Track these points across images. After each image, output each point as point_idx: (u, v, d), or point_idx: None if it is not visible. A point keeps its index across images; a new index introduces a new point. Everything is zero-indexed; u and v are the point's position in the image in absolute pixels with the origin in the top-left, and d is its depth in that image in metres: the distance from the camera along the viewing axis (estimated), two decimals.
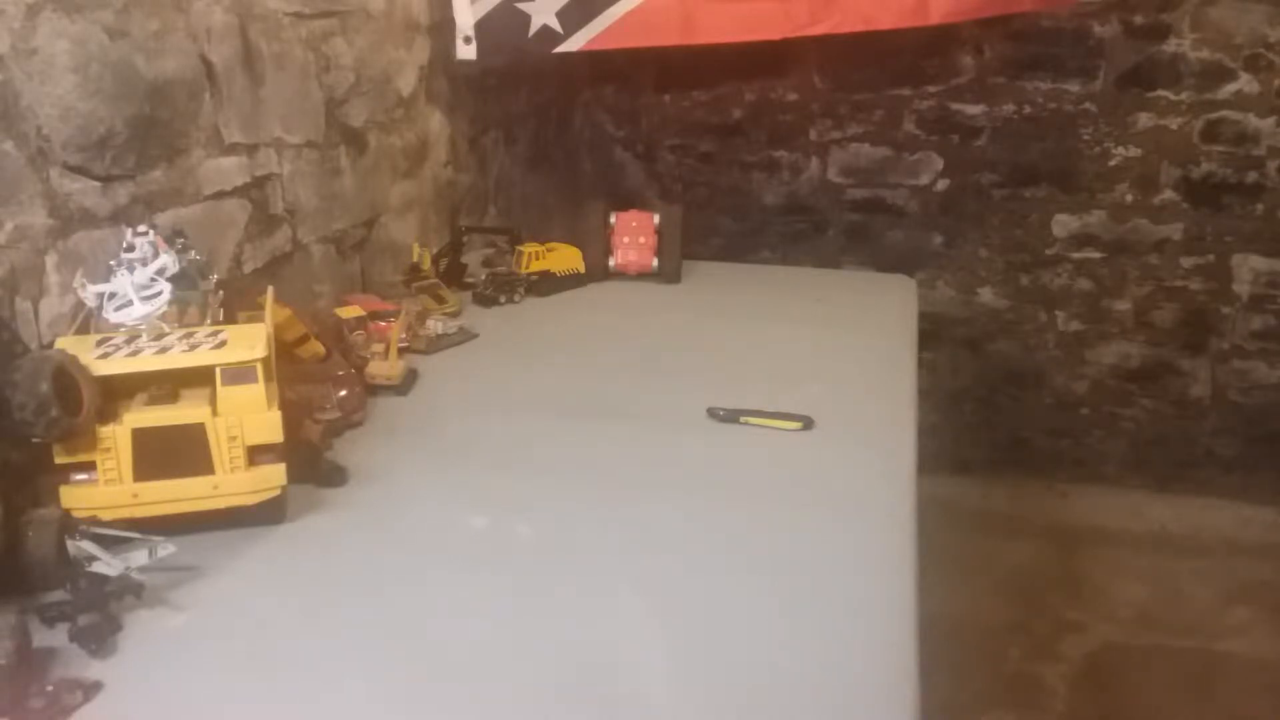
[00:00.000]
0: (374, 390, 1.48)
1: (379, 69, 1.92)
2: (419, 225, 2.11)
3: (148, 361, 1.04)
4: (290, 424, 1.10)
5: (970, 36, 2.86)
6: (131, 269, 1.11)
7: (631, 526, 1.15)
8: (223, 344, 1.06)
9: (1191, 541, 2.90)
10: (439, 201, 2.21)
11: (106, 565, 0.94)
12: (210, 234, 1.47)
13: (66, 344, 1.05)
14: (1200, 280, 2.96)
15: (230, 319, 1.17)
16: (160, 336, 1.07)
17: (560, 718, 0.86)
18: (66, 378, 0.98)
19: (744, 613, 1.00)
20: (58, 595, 0.94)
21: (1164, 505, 3.06)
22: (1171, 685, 2.35)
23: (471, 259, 2.11)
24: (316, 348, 1.39)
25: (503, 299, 1.92)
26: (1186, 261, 2.95)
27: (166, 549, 0.97)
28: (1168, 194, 2.90)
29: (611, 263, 2.06)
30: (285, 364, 1.24)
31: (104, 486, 1.03)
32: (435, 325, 1.72)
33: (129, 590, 0.95)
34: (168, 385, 1.07)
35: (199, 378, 1.07)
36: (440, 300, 1.83)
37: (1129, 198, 2.93)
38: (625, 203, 2.13)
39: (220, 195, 1.50)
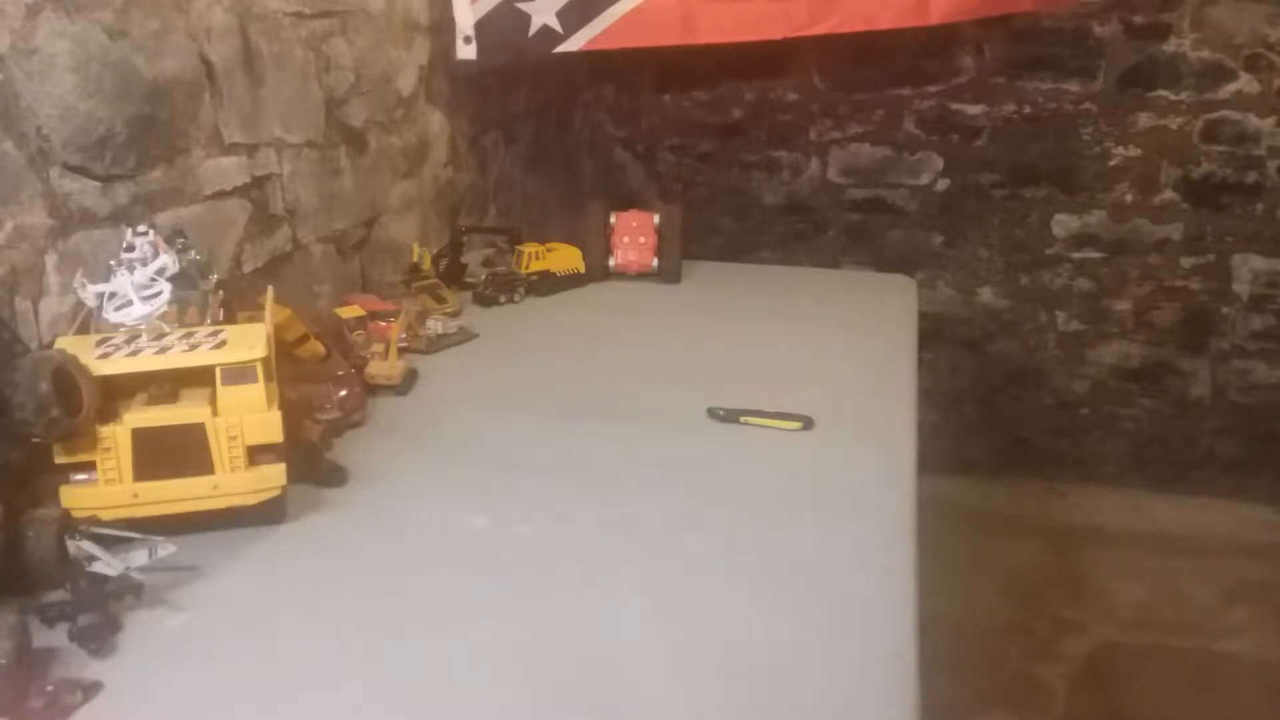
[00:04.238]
0: (374, 390, 1.48)
1: (379, 69, 1.92)
2: (419, 225, 2.11)
3: (148, 361, 1.04)
4: (290, 424, 1.10)
5: (970, 36, 2.86)
6: (131, 269, 1.11)
7: (631, 526, 1.15)
8: (223, 344, 1.06)
9: (1191, 541, 2.90)
10: (439, 201, 2.21)
11: (106, 565, 0.94)
12: (210, 234, 1.47)
13: (66, 344, 1.05)
14: (1200, 280, 2.96)
15: (230, 319, 1.17)
16: (160, 336, 1.07)
17: (560, 718, 0.86)
18: (66, 378, 0.98)
19: (744, 613, 1.00)
20: (58, 595, 0.94)
21: (1164, 505, 3.06)
22: (1171, 685, 2.35)
23: (471, 259, 2.11)
24: (316, 348, 1.39)
25: (503, 299, 1.92)
26: (1186, 261, 2.95)
27: (166, 549, 0.97)
28: (1168, 194, 2.90)
29: (611, 263, 2.06)
30: (285, 364, 1.24)
31: (104, 486, 1.03)
32: (435, 325, 1.72)
33: (129, 590, 0.95)
34: (168, 385, 1.07)
35: (199, 377, 1.07)
36: (440, 300, 1.83)
37: (1129, 198, 2.93)
38: (625, 203, 2.13)
39: (220, 195, 1.50)
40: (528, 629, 0.96)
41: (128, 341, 1.06)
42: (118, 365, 1.03)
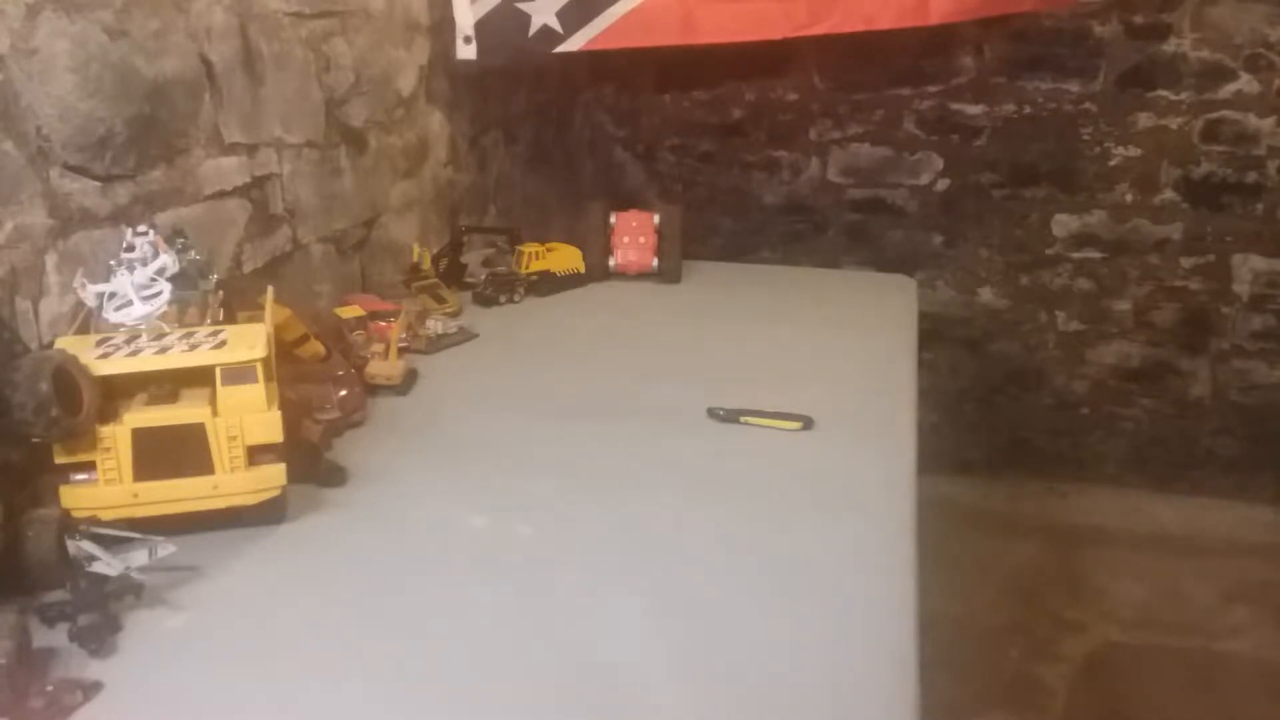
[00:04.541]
0: (374, 390, 1.48)
1: (379, 69, 1.92)
2: (419, 225, 2.11)
3: (148, 361, 1.04)
4: (290, 424, 1.10)
5: (970, 36, 2.86)
6: (131, 269, 1.11)
7: (631, 526, 1.15)
8: (223, 344, 1.06)
9: (1191, 541, 2.90)
10: (439, 201, 2.21)
11: (106, 565, 0.94)
12: (210, 234, 1.47)
13: (66, 344, 1.05)
14: (1200, 280, 2.96)
15: (230, 319, 1.17)
16: (160, 336, 1.07)
17: (560, 718, 0.86)
18: (66, 378, 0.98)
19: (744, 613, 1.00)
20: (58, 595, 0.94)
21: (1164, 505, 3.06)
22: (1172, 685, 2.35)
23: (471, 259, 2.10)
24: (316, 348, 1.39)
25: (503, 299, 1.92)
26: (1186, 261, 2.95)
27: (166, 549, 0.97)
28: (1168, 194, 2.90)
29: (611, 263, 2.06)
30: (285, 364, 1.24)
31: (104, 486, 1.03)
32: (435, 325, 1.72)
33: (129, 590, 0.95)
34: (168, 385, 1.07)
35: (199, 378, 1.07)
36: (440, 300, 1.83)
37: (1129, 198, 2.93)
38: (625, 203, 2.13)
39: (220, 195, 1.50)
40: (528, 629, 0.96)
41: (128, 341, 1.06)
42: (118, 365, 1.03)
